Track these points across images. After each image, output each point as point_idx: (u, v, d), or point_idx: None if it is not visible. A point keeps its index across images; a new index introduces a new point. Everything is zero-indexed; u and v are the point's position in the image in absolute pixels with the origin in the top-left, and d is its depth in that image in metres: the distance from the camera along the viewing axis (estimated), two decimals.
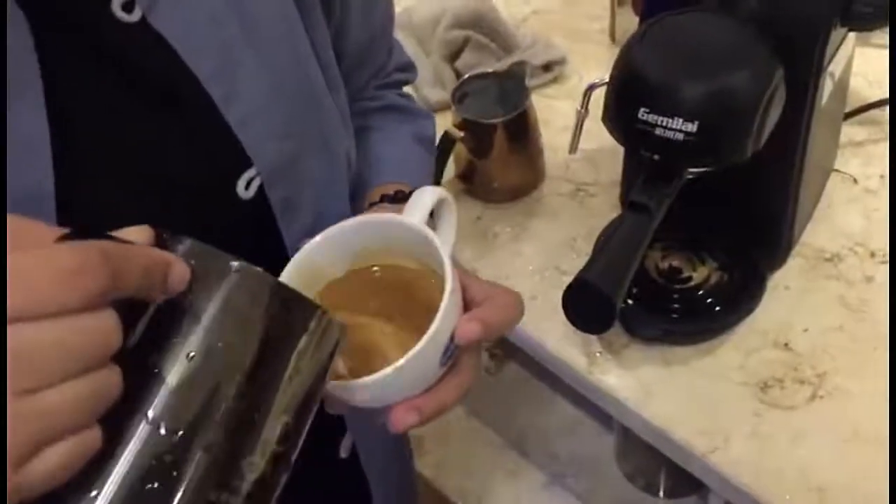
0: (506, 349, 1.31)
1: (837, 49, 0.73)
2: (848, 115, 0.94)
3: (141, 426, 0.34)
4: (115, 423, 0.34)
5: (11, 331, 0.30)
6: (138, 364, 0.35)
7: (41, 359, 0.31)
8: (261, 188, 0.56)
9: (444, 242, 0.53)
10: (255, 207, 0.56)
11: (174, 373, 0.35)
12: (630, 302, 0.79)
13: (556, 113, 1.04)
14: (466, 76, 0.97)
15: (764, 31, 0.66)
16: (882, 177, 0.91)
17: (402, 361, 0.46)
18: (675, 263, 0.82)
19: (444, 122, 0.95)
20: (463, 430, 1.31)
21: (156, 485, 0.34)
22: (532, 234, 0.93)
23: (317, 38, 0.60)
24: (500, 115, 0.91)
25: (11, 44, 0.44)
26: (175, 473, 0.34)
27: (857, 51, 0.83)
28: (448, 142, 0.90)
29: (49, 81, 0.46)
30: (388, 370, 0.46)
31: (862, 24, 0.69)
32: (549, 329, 0.82)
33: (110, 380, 0.33)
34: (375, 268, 0.54)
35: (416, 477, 1.01)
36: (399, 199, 0.64)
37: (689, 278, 0.81)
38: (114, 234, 0.36)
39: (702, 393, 0.77)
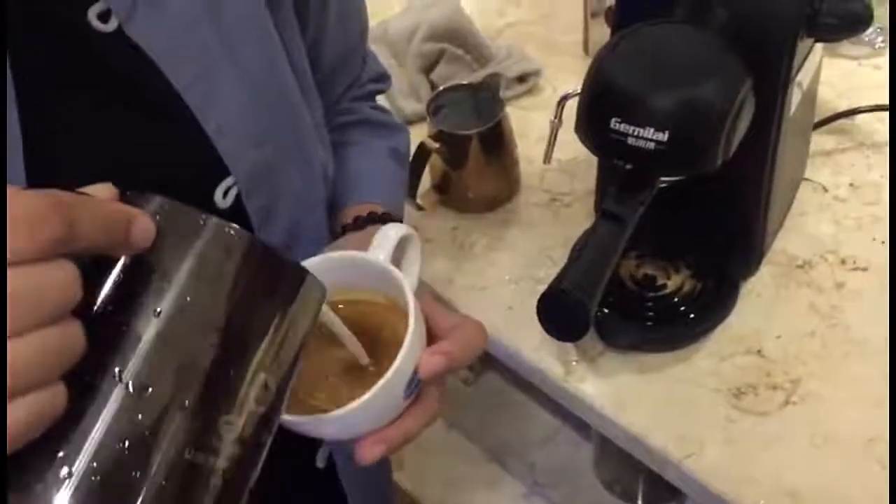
0: (483, 360, 1.31)
1: (805, 60, 0.74)
2: (817, 125, 0.95)
3: (109, 384, 0.33)
4: (83, 381, 0.32)
5: None
6: (105, 322, 0.33)
7: (10, 307, 0.29)
8: (238, 197, 0.56)
9: (407, 277, 0.54)
10: (232, 216, 0.56)
11: (143, 330, 0.34)
12: (605, 310, 0.79)
13: (530, 124, 1.05)
14: (441, 88, 0.97)
15: (732, 42, 0.67)
16: (851, 185, 0.93)
17: (366, 397, 0.47)
18: (650, 272, 0.83)
19: (419, 134, 0.96)
20: (441, 441, 1.32)
21: (128, 445, 0.33)
22: (508, 244, 0.93)
23: (292, 49, 0.61)
24: (476, 127, 0.92)
25: None
26: (147, 433, 0.33)
27: (825, 61, 0.85)
28: (423, 153, 0.91)
29: (24, 90, 0.46)
30: (352, 405, 0.47)
31: (828, 35, 0.70)
32: (525, 338, 0.83)
33: (71, 333, 0.32)
34: (340, 304, 0.54)
35: (395, 489, 1.01)
36: (372, 219, 0.65)
37: (664, 286, 0.82)
38: (75, 190, 0.34)
39: (677, 400, 0.77)
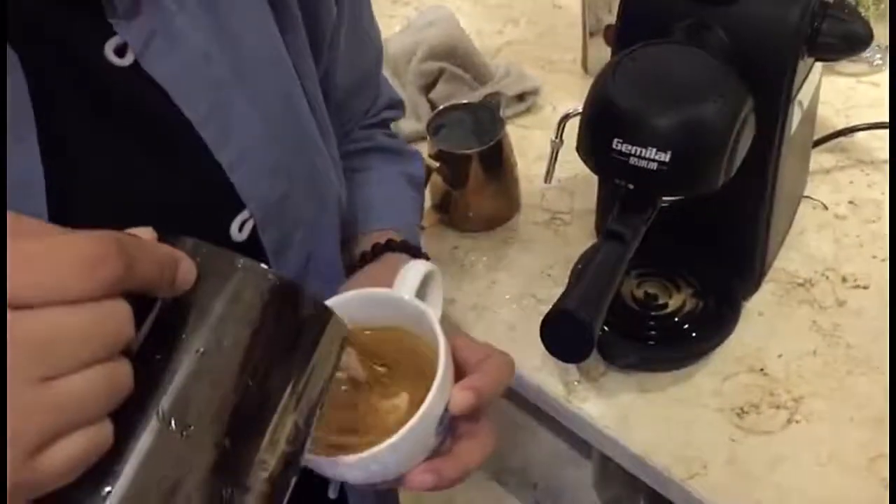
0: None
1: (805, 79, 0.75)
2: (817, 143, 0.95)
3: (152, 422, 0.34)
4: (126, 418, 0.33)
5: (29, 316, 0.29)
6: (147, 360, 0.34)
7: (58, 346, 0.30)
8: (253, 230, 0.56)
9: (433, 314, 0.54)
10: (248, 250, 0.56)
11: (183, 369, 0.35)
12: (607, 330, 0.79)
13: (530, 143, 1.05)
14: (441, 107, 0.97)
15: (733, 62, 0.67)
16: (851, 203, 0.93)
17: (395, 438, 0.46)
18: (651, 291, 0.83)
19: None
20: None
21: (168, 481, 0.34)
22: (508, 264, 0.93)
23: (307, 79, 0.61)
24: (475, 146, 0.92)
25: (7, 85, 0.44)
26: (187, 469, 0.34)
27: (825, 80, 0.85)
28: (424, 173, 0.91)
29: (44, 124, 0.46)
30: (382, 446, 0.46)
31: (828, 54, 0.71)
32: (526, 358, 0.83)
33: (123, 372, 0.32)
34: (367, 331, 0.54)
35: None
36: (390, 247, 0.66)
37: (665, 305, 0.82)
38: (126, 231, 0.35)
39: (679, 419, 0.77)
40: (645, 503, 1.13)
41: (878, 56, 1.07)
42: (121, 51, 0.49)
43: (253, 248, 0.57)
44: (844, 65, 1.07)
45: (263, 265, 0.37)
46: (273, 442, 0.37)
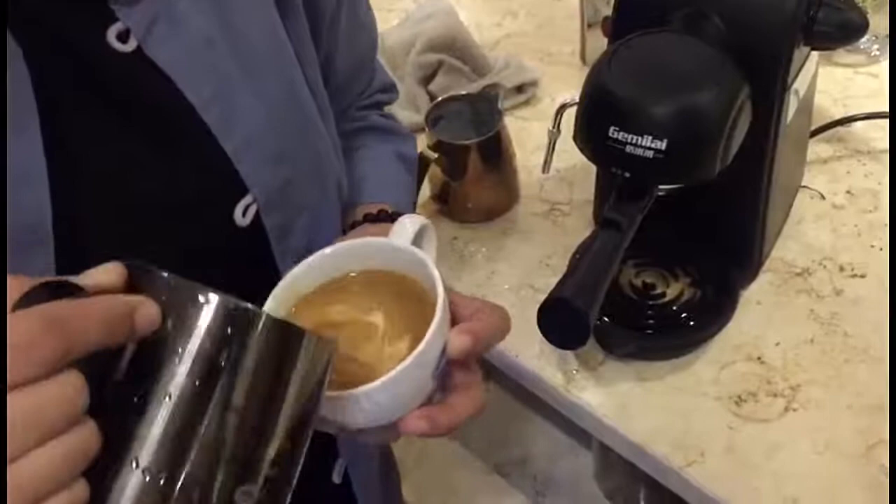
0: (484, 369, 1.31)
1: (801, 68, 0.75)
2: (814, 133, 0.95)
3: (128, 472, 0.34)
4: (103, 471, 0.33)
5: None
6: (120, 407, 0.34)
7: (18, 427, 0.31)
8: (257, 215, 0.56)
9: (430, 260, 0.54)
10: (251, 234, 0.56)
11: (156, 413, 0.34)
12: (605, 319, 0.79)
13: (529, 134, 1.05)
14: (440, 99, 0.98)
15: (729, 50, 0.67)
16: (848, 192, 0.93)
17: (399, 368, 0.46)
18: (649, 280, 0.83)
19: (418, 145, 0.96)
20: (442, 452, 1.31)
21: None
22: (507, 254, 0.94)
23: (308, 65, 0.61)
24: (474, 137, 0.92)
25: (8, 75, 0.44)
26: None
27: (821, 70, 0.85)
28: (422, 163, 0.91)
29: (46, 112, 0.46)
30: (386, 377, 0.46)
31: (824, 43, 0.71)
32: (525, 348, 0.83)
33: (85, 436, 0.33)
34: (353, 273, 0.54)
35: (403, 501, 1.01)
36: (382, 218, 0.65)
37: (663, 294, 0.82)
38: (79, 276, 0.35)
39: (678, 408, 0.77)
40: (645, 493, 1.13)
41: (876, 46, 1.07)
42: (122, 37, 0.49)
43: (256, 233, 0.57)
44: (842, 55, 1.07)
45: (234, 298, 0.36)
46: (255, 472, 0.37)
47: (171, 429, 0.34)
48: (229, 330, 0.36)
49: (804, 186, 0.94)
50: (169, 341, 0.35)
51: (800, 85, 0.76)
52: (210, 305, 0.36)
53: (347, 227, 0.67)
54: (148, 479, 0.34)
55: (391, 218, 0.65)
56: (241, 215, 0.55)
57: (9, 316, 0.32)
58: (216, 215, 0.55)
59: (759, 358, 0.80)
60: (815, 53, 0.78)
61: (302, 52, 0.60)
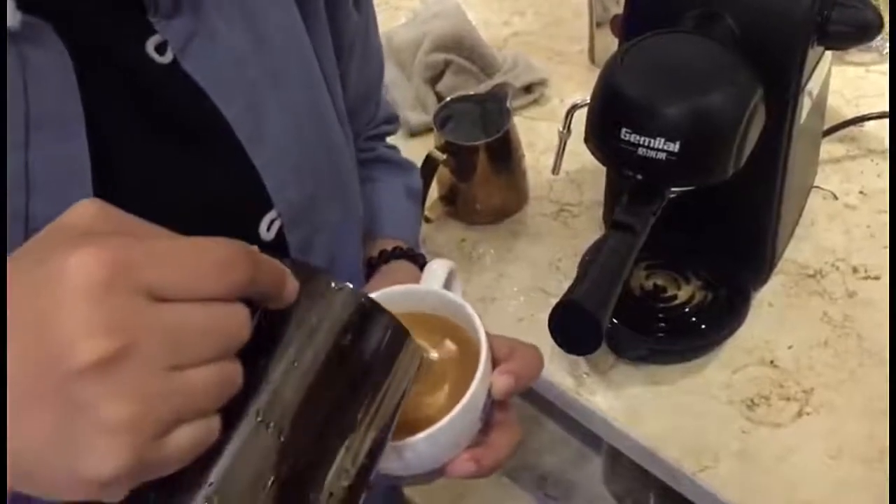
0: None
1: (815, 67, 0.74)
2: (827, 133, 0.95)
3: (252, 422, 0.35)
4: (228, 416, 0.35)
5: (165, 309, 0.31)
6: (248, 364, 0.35)
7: (191, 338, 0.32)
8: (280, 230, 0.57)
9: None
10: (274, 249, 0.57)
11: (281, 375, 0.36)
12: (616, 322, 0.78)
13: (538, 134, 1.04)
14: (448, 99, 0.97)
15: (742, 51, 0.66)
16: (861, 192, 0.92)
17: (452, 415, 0.47)
18: (660, 283, 0.83)
19: (426, 145, 0.96)
20: None
21: (262, 479, 0.35)
22: (516, 256, 0.93)
23: (333, 84, 0.62)
24: (483, 138, 0.91)
25: (56, 76, 0.45)
26: (280, 470, 0.36)
27: (834, 69, 0.84)
28: (431, 164, 0.90)
29: (89, 119, 0.47)
30: (439, 425, 0.47)
31: (838, 43, 0.70)
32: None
33: (236, 371, 0.34)
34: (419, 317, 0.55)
35: (405, 502, 1.00)
36: (396, 255, 0.69)
37: (674, 297, 0.81)
38: None
39: (689, 412, 0.76)
40: (655, 498, 1.12)
41: (888, 45, 1.06)
42: (161, 49, 0.50)
43: (279, 247, 0.57)
44: (854, 54, 1.06)
45: (351, 285, 0.39)
46: (356, 453, 0.39)
47: (297, 394, 0.37)
48: (355, 317, 0.39)
49: (817, 187, 0.93)
50: (301, 316, 0.38)
51: (813, 85, 0.75)
52: (343, 292, 0.39)
53: (364, 260, 0.69)
54: (271, 432, 0.36)
55: (406, 255, 0.69)
56: (266, 230, 0.56)
57: (213, 239, 0.34)
58: (243, 229, 0.55)
59: (771, 361, 0.79)
60: (828, 53, 0.77)
61: (326, 70, 0.61)
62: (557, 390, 0.81)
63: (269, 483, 0.35)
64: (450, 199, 0.96)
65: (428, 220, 0.94)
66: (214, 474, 0.34)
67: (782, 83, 0.69)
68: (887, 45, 1.06)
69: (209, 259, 0.33)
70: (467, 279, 0.91)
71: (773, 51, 0.68)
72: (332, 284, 0.39)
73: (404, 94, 1.10)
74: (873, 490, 0.69)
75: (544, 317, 0.66)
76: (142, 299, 0.31)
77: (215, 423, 0.34)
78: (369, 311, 0.39)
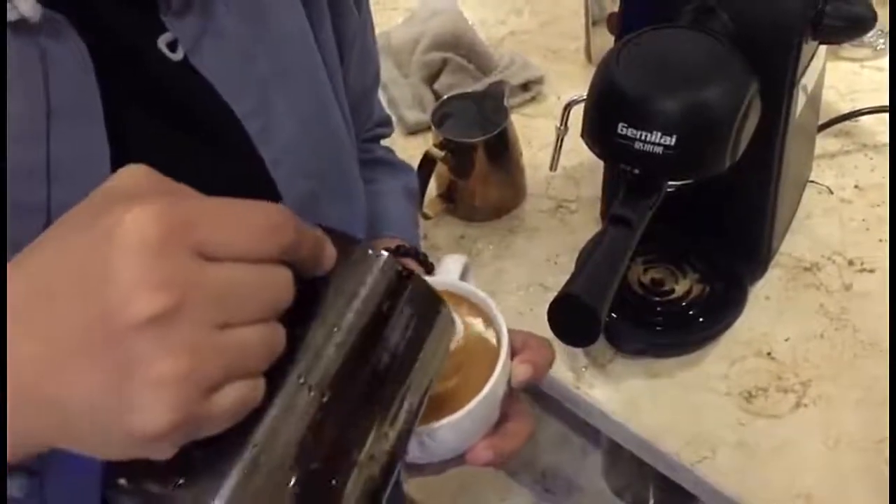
0: None
1: (809, 62, 0.74)
2: (821, 128, 0.95)
3: (295, 385, 0.36)
4: (272, 378, 0.35)
5: (216, 267, 0.32)
6: (288, 329, 0.36)
7: (236, 298, 0.32)
8: None
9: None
10: None
11: (322, 341, 0.37)
12: (614, 316, 0.79)
13: (535, 131, 1.05)
14: (446, 97, 0.98)
15: (737, 46, 0.67)
16: (856, 187, 0.93)
17: (475, 402, 0.48)
18: (657, 276, 0.83)
19: (424, 143, 0.96)
20: None
21: (307, 441, 0.36)
22: (515, 252, 0.93)
23: (336, 83, 0.63)
24: (480, 135, 0.92)
25: (75, 69, 0.46)
26: (326, 432, 0.36)
27: (829, 64, 0.85)
28: (429, 162, 0.91)
29: (105, 107, 0.47)
30: (457, 415, 0.48)
31: (832, 37, 0.71)
32: None
33: (280, 334, 0.34)
34: None
35: (406, 498, 1.00)
36: (402, 253, 0.69)
37: (672, 291, 0.82)
38: None
39: (688, 404, 0.77)
40: (654, 491, 1.13)
41: (882, 41, 1.07)
42: (172, 46, 0.51)
43: None
44: (848, 49, 1.07)
45: (387, 253, 0.39)
46: (395, 418, 0.39)
47: (338, 358, 0.37)
48: (393, 284, 0.39)
49: (812, 181, 0.93)
50: (339, 283, 0.38)
51: (808, 80, 0.76)
52: (380, 259, 0.39)
53: None
54: (313, 395, 0.36)
55: (409, 253, 0.70)
56: None
57: (262, 202, 0.34)
58: None
59: (768, 353, 0.80)
60: (822, 48, 0.78)
61: (330, 67, 0.62)
62: (557, 384, 0.81)
63: (313, 445, 0.36)
64: (448, 196, 0.97)
65: (427, 217, 0.95)
66: (259, 434, 0.35)
67: (777, 77, 0.70)
68: (881, 40, 1.07)
69: (258, 221, 0.33)
70: (469, 264, 0.91)
71: (767, 45, 0.68)
72: (370, 252, 0.39)
73: (402, 92, 1.11)
74: (871, 480, 0.70)
75: (543, 311, 0.66)
76: (194, 257, 0.31)
77: (261, 383, 0.34)
78: (406, 280, 0.40)
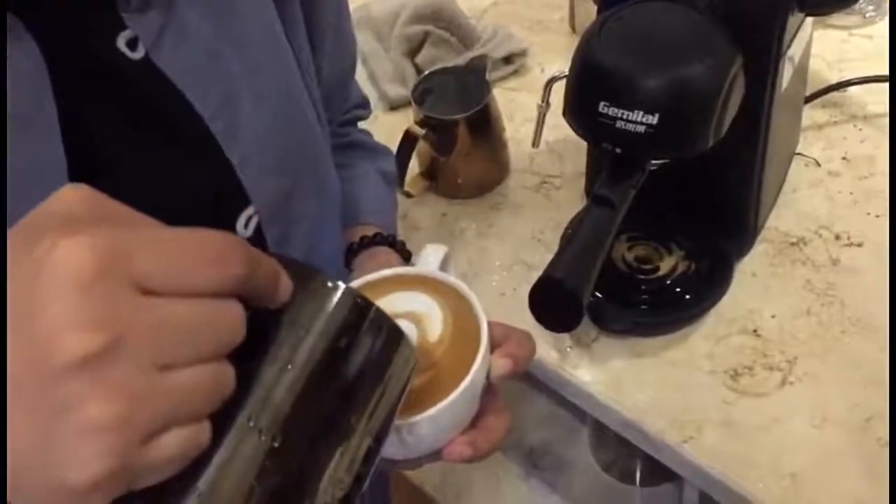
0: None
1: (796, 33, 0.73)
2: (809, 99, 0.94)
3: (244, 429, 0.34)
4: (220, 422, 0.33)
5: (154, 303, 0.30)
6: (239, 366, 0.34)
7: (183, 335, 0.30)
8: (258, 226, 0.56)
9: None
10: (252, 244, 0.55)
11: (273, 380, 0.34)
12: (598, 295, 0.78)
13: (518, 105, 1.03)
14: (426, 73, 0.96)
15: (721, 19, 0.65)
16: (844, 159, 0.92)
17: (453, 396, 0.47)
18: (642, 254, 0.82)
19: (405, 118, 0.95)
20: None
21: (255, 489, 0.34)
22: (498, 229, 0.92)
23: (308, 75, 0.61)
24: (463, 111, 0.90)
25: (30, 75, 0.44)
26: (274, 479, 0.34)
27: (816, 33, 0.83)
28: (410, 139, 0.89)
29: (62, 115, 0.46)
30: (443, 404, 0.47)
31: (819, 8, 0.69)
32: (518, 324, 0.80)
33: (229, 374, 0.32)
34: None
35: (396, 475, 1.00)
36: (378, 241, 0.69)
37: (657, 269, 0.81)
38: None
39: (673, 383, 0.76)
40: (642, 465, 1.13)
41: (871, 8, 1.05)
42: (132, 44, 0.49)
43: (256, 243, 0.56)
44: (837, 17, 1.05)
45: (348, 286, 0.37)
46: (351, 460, 0.37)
47: (290, 398, 0.35)
48: (350, 318, 0.37)
49: (799, 153, 0.92)
50: (294, 317, 0.36)
51: (794, 51, 0.75)
52: (337, 291, 0.37)
53: (344, 248, 0.69)
54: (263, 439, 0.34)
55: (386, 241, 0.69)
56: (244, 227, 0.55)
57: (207, 231, 0.32)
58: (219, 226, 0.54)
59: (754, 331, 0.79)
60: (809, 18, 0.76)
61: (302, 61, 0.60)
62: (541, 364, 0.80)
63: (261, 492, 0.34)
64: (430, 173, 0.95)
65: (409, 196, 0.93)
66: (203, 482, 0.33)
67: (762, 51, 0.69)
68: (871, 8, 1.05)
69: (205, 251, 0.31)
70: (450, 253, 0.90)
71: (752, 18, 0.67)
72: (328, 284, 0.37)
73: (383, 66, 1.09)
74: (857, 458, 0.70)
75: (527, 291, 0.65)
76: (132, 292, 0.29)
77: (206, 427, 0.32)
78: (365, 311, 0.37)
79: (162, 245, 0.30)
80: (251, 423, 0.34)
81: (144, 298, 0.29)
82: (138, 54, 0.49)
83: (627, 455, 1.14)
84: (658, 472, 1.12)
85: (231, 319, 0.32)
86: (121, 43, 0.48)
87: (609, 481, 1.17)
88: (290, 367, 0.35)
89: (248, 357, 0.34)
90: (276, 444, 0.34)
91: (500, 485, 1.23)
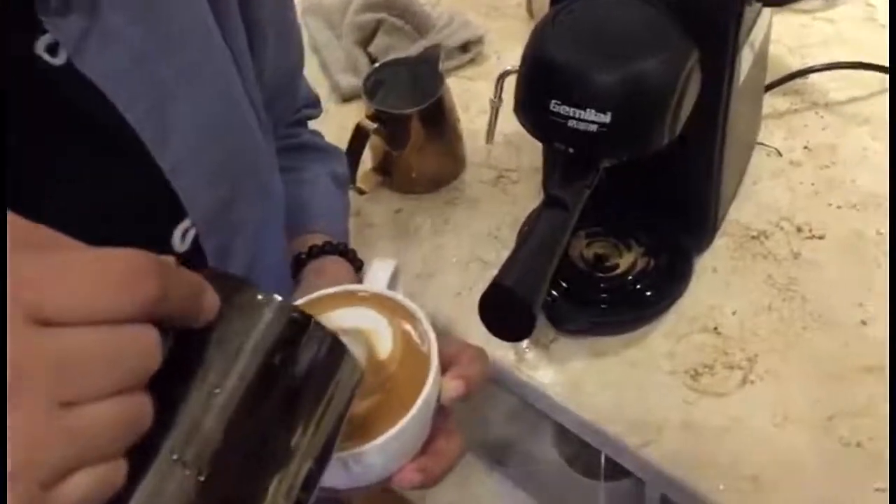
0: None
1: (754, 24, 0.71)
2: (769, 87, 0.92)
3: (167, 463, 0.31)
4: (139, 456, 0.30)
5: (53, 335, 0.27)
6: (160, 395, 0.31)
7: (83, 370, 0.28)
8: (195, 239, 0.53)
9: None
10: (189, 258, 0.53)
11: (200, 408, 0.32)
12: (556, 294, 0.76)
13: (474, 95, 1.00)
14: (377, 64, 0.93)
15: (676, 13, 0.63)
16: (806, 147, 0.90)
17: (402, 423, 0.45)
18: (601, 251, 0.80)
19: (358, 110, 0.92)
20: None
21: None
22: (454, 226, 0.90)
23: (247, 78, 0.58)
24: (415, 103, 0.87)
25: None
26: None
27: (776, 17, 0.81)
28: (361, 135, 0.86)
29: None
30: (391, 432, 0.44)
31: (776, 1, 0.67)
32: (475, 325, 0.77)
33: (145, 406, 0.30)
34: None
35: None
36: (328, 251, 0.66)
37: (616, 266, 0.79)
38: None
39: (633, 384, 0.75)
40: (606, 459, 1.12)
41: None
42: (52, 49, 0.46)
43: (195, 256, 0.53)
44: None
45: (284, 300, 0.34)
46: (291, 487, 0.35)
47: (219, 426, 0.32)
48: (286, 333, 0.34)
49: (760, 143, 0.90)
50: (222, 335, 0.33)
51: (753, 39, 0.72)
52: (270, 305, 0.34)
53: (292, 257, 0.66)
54: (188, 473, 0.31)
55: (336, 250, 0.67)
56: (181, 240, 0.52)
57: (111, 250, 0.29)
58: (153, 240, 0.51)
59: (715, 328, 0.77)
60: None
61: (240, 63, 0.57)
62: (498, 366, 0.78)
63: None
64: (383, 168, 0.92)
65: (361, 192, 0.90)
66: None
67: (719, 45, 0.66)
68: None
69: (108, 274, 0.28)
70: (405, 251, 0.87)
71: (708, 11, 0.64)
72: (259, 297, 0.34)
73: (335, 56, 1.06)
74: (819, 457, 0.68)
75: (483, 289, 0.63)
76: (28, 323, 0.27)
77: (121, 466, 0.29)
78: (302, 325, 0.35)
79: (63, 269, 0.28)
80: (175, 457, 0.31)
81: (43, 329, 0.27)
82: (60, 60, 0.46)
83: (591, 450, 1.12)
84: (621, 467, 1.11)
85: (144, 345, 0.29)
86: (40, 48, 0.45)
87: (573, 476, 1.16)
88: (217, 390, 0.32)
89: (172, 384, 0.32)
90: (202, 478, 0.31)
91: (466, 481, 1.21)
